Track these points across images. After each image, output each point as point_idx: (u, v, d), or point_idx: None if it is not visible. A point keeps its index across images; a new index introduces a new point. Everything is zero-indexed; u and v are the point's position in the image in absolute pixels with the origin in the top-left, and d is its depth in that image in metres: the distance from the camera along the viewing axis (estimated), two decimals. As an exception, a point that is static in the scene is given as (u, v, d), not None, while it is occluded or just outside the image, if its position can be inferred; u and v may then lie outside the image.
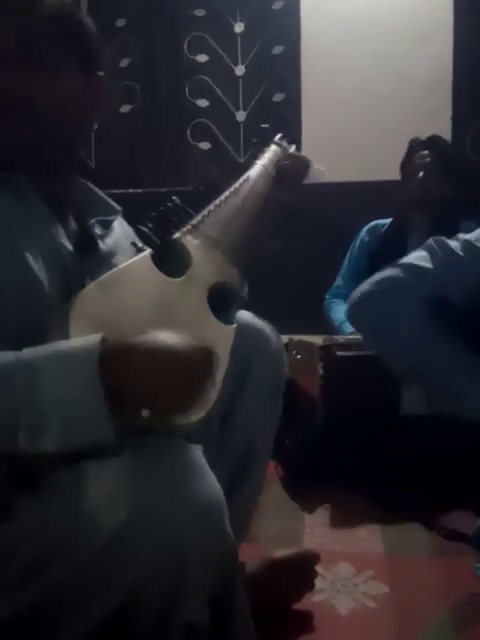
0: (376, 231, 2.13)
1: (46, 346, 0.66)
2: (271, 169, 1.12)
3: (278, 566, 1.10)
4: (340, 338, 1.81)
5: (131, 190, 2.62)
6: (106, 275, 0.78)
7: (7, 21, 0.80)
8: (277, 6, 2.77)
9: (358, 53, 2.67)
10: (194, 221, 0.96)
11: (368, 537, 1.42)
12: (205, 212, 0.98)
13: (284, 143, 1.22)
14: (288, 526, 1.44)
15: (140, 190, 2.66)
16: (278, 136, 1.23)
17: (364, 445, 1.61)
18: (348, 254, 2.18)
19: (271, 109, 2.82)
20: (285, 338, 1.20)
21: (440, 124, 2.61)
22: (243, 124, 2.85)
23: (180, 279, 0.87)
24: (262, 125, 1.27)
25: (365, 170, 2.53)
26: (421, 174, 2.00)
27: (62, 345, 0.66)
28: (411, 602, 1.16)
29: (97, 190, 0.94)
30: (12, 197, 0.79)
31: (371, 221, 2.17)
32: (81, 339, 0.66)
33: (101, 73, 0.88)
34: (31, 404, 0.62)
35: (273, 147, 1.19)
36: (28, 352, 0.65)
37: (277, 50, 2.80)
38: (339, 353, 1.67)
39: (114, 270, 0.80)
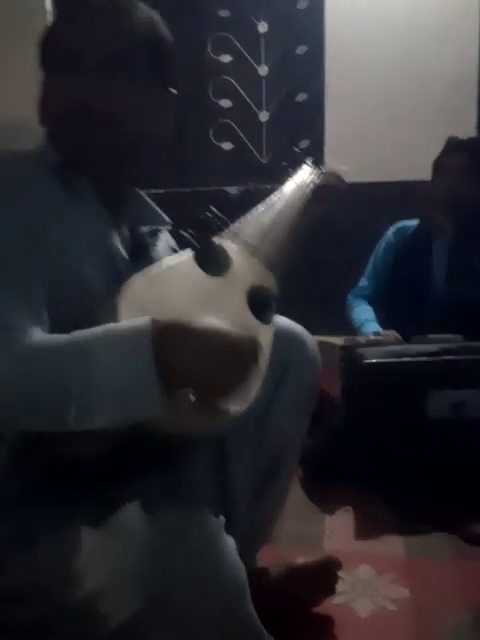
0: (403, 232, 2.09)
1: (96, 328, 0.68)
2: (304, 188, 1.17)
3: (300, 572, 1.11)
4: (361, 339, 1.79)
5: (153, 190, 2.63)
6: (152, 267, 0.83)
7: (101, 38, 0.82)
8: (301, 6, 2.76)
9: (382, 52, 2.65)
10: (233, 228, 1.00)
11: (389, 540, 1.41)
12: (243, 220, 1.03)
13: (314, 166, 1.27)
14: (308, 528, 1.43)
15: (162, 190, 2.67)
16: (309, 160, 1.29)
17: (384, 447, 1.60)
18: (373, 254, 2.14)
19: (294, 109, 2.81)
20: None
21: (465, 123, 2.58)
22: (266, 124, 2.84)
23: (221, 278, 0.91)
24: (295, 148, 1.35)
25: (389, 170, 2.51)
26: (450, 178, 1.93)
27: (112, 326, 0.69)
28: (432, 606, 1.15)
29: (150, 201, 0.97)
30: (74, 200, 0.82)
31: (394, 222, 2.14)
32: (130, 320, 0.69)
33: (174, 90, 0.91)
34: (83, 380, 0.64)
35: (306, 168, 1.25)
36: (79, 333, 0.67)
37: (301, 50, 2.79)
38: (365, 361, 1.61)
39: (158, 264, 0.84)
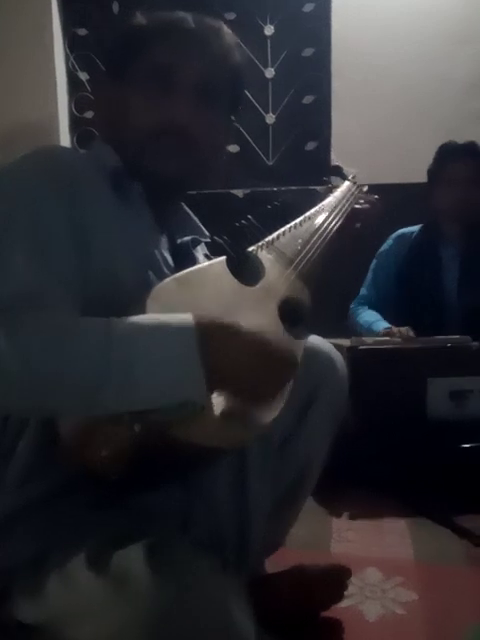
0: (403, 240, 2.07)
1: (138, 317, 0.68)
2: (344, 203, 1.16)
3: (309, 580, 1.10)
4: (368, 339, 1.79)
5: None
6: (184, 272, 0.81)
7: (199, 59, 0.85)
8: (308, 8, 2.76)
9: (390, 54, 2.64)
10: (269, 238, 0.99)
11: (397, 543, 1.40)
12: (280, 232, 1.01)
13: (355, 183, 1.24)
14: (316, 530, 1.42)
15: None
16: (352, 175, 1.27)
17: (393, 449, 1.59)
18: (373, 263, 2.12)
19: (301, 112, 2.81)
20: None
21: (477, 127, 2.57)
22: (272, 127, 2.84)
23: (253, 287, 0.89)
24: (335, 163, 1.30)
25: (397, 173, 2.49)
26: (458, 190, 1.92)
27: (154, 316, 0.69)
28: (441, 611, 1.13)
29: (192, 214, 0.98)
30: (124, 204, 0.83)
31: (404, 224, 2.12)
32: (172, 314, 0.68)
33: (234, 118, 0.95)
34: (122, 363, 0.64)
35: (346, 183, 1.23)
36: (119, 319, 0.67)
37: (307, 52, 2.79)
38: (362, 347, 1.67)
39: (192, 268, 0.83)
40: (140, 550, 0.66)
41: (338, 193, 1.18)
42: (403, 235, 2.08)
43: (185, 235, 0.95)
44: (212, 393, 0.68)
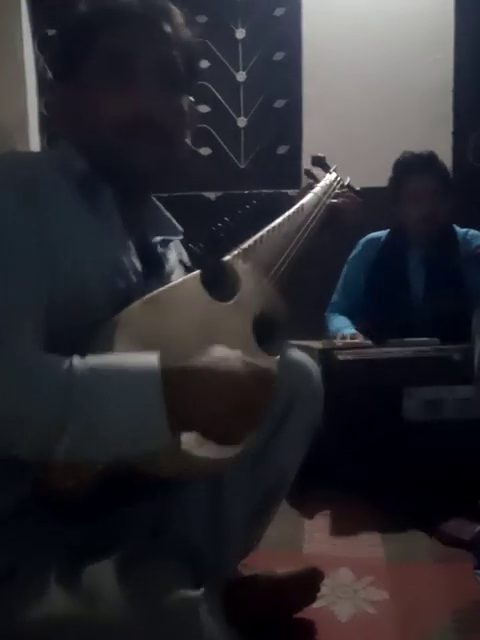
0: (372, 245, 2.10)
1: (101, 357, 0.65)
2: (325, 199, 1.12)
3: (282, 583, 1.11)
4: (339, 342, 1.81)
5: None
6: (154, 293, 0.77)
7: (153, 44, 0.81)
8: (278, 12, 2.78)
9: (360, 59, 2.68)
10: (246, 245, 0.95)
11: (368, 543, 1.41)
12: (258, 237, 0.97)
13: (339, 174, 1.21)
14: (288, 532, 1.43)
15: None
16: (333, 167, 1.23)
17: (364, 450, 1.61)
18: (345, 269, 2.14)
19: (272, 115, 2.83)
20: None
21: (443, 131, 2.62)
22: (244, 130, 2.85)
23: (227, 303, 0.86)
24: (318, 154, 1.25)
25: (367, 176, 2.51)
26: (425, 205, 1.93)
27: (119, 358, 0.66)
28: (412, 609, 1.15)
29: (163, 209, 0.94)
30: (92, 210, 0.79)
31: (374, 228, 2.13)
32: (138, 354, 0.65)
33: (192, 97, 0.90)
34: (84, 411, 0.61)
35: (328, 177, 1.19)
36: (81, 361, 0.63)
37: (278, 56, 2.81)
38: (341, 357, 1.67)
39: (163, 288, 0.79)
40: (111, 566, 0.65)
41: (318, 190, 1.14)
42: (372, 240, 2.10)
43: (157, 233, 0.91)
44: (179, 436, 0.65)
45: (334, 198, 1.14)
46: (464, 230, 2.03)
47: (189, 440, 0.66)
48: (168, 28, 0.82)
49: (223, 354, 0.68)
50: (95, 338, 0.68)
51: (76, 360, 0.63)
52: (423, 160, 1.97)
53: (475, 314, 1.50)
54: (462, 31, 2.61)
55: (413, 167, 1.96)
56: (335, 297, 2.13)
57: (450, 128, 2.64)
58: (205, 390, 0.65)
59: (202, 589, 0.66)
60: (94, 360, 0.64)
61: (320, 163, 1.23)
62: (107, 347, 0.68)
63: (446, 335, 1.72)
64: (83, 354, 0.65)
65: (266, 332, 0.89)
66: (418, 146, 2.05)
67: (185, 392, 0.64)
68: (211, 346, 0.70)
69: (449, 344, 1.69)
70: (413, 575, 1.28)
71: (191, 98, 0.89)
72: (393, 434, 1.62)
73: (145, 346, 0.68)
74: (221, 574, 0.93)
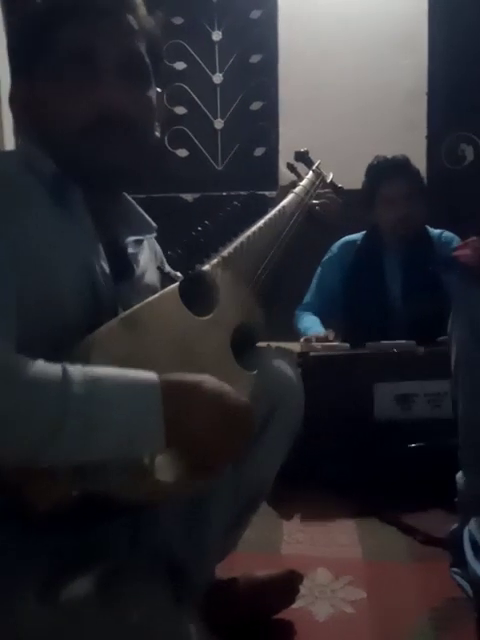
0: (348, 247, 2.11)
1: (95, 368, 0.65)
2: (307, 199, 1.10)
3: (262, 588, 1.10)
4: (318, 345, 1.82)
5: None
6: (131, 312, 0.75)
7: (114, 39, 0.79)
8: (254, 15, 2.79)
9: (335, 62, 2.70)
10: (225, 253, 0.92)
11: (346, 542, 1.42)
12: (238, 243, 0.95)
13: (321, 170, 1.19)
14: (266, 533, 1.43)
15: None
16: (316, 163, 1.21)
17: (341, 450, 1.62)
18: (319, 271, 2.15)
19: (249, 117, 2.84)
20: (263, 344, 1.21)
21: (417, 135, 2.65)
22: (221, 132, 2.86)
23: (205, 318, 0.84)
24: (302, 149, 1.23)
25: (343, 178, 2.54)
26: (399, 208, 1.95)
27: (118, 372, 0.66)
28: (389, 607, 1.16)
29: (136, 205, 0.92)
30: (61, 213, 0.77)
31: (350, 230, 2.14)
32: (136, 371, 0.66)
33: (159, 89, 0.88)
34: (82, 415, 0.61)
35: (310, 174, 1.17)
36: (74, 367, 0.63)
37: (255, 58, 2.82)
38: (313, 354, 1.70)
39: (139, 306, 0.76)
40: (89, 580, 0.65)
41: (300, 189, 1.11)
42: (348, 243, 2.12)
43: (130, 231, 0.88)
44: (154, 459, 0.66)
45: (316, 198, 1.12)
46: (438, 231, 2.06)
47: (160, 464, 0.66)
48: (132, 19, 0.80)
49: (208, 378, 0.70)
50: (70, 358, 0.66)
51: (68, 366, 0.63)
52: (396, 164, 1.99)
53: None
54: (435, 37, 2.65)
55: (387, 171, 1.98)
56: (308, 298, 2.15)
57: (424, 132, 2.68)
58: (197, 405, 0.66)
59: (182, 600, 0.66)
60: (87, 368, 0.64)
61: (303, 158, 1.21)
62: None
63: (423, 336, 1.74)
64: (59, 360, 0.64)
65: (245, 342, 0.88)
66: (393, 150, 2.07)
67: (178, 405, 0.65)
68: (185, 368, 0.70)
69: (426, 345, 1.71)
70: (390, 574, 1.29)
71: (158, 89, 0.87)
72: (366, 431, 1.64)
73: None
74: (201, 581, 0.93)
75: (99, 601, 0.62)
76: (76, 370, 0.63)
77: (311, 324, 2.02)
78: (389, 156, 2.01)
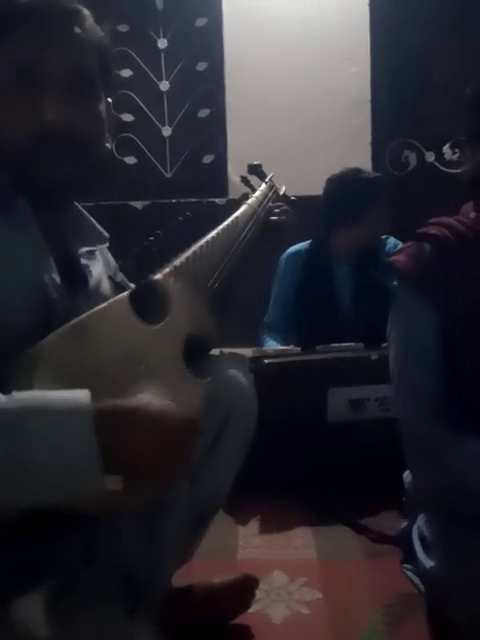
0: (294, 259, 2.12)
1: (25, 394, 0.61)
2: (260, 211, 1.10)
3: (218, 593, 1.11)
4: (269, 349, 1.84)
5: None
6: (78, 320, 0.73)
7: (59, 53, 0.77)
8: (200, 23, 2.81)
9: (281, 71, 2.74)
10: (178, 262, 0.91)
11: (301, 544, 1.44)
12: (190, 253, 0.94)
13: (274, 183, 1.19)
14: (222, 540, 1.43)
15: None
16: (270, 176, 1.22)
17: (295, 454, 1.64)
18: (274, 285, 2.16)
19: (197, 125, 2.84)
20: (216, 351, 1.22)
21: (362, 140, 2.71)
22: (169, 139, 2.86)
23: (157, 327, 0.82)
24: (255, 162, 1.23)
25: (291, 185, 2.57)
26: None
27: (45, 395, 0.61)
28: (344, 606, 1.18)
29: (88, 215, 0.91)
30: (8, 228, 0.75)
31: (297, 238, 2.14)
32: (68, 394, 0.61)
33: (109, 99, 0.87)
34: (17, 457, 0.57)
35: (263, 186, 1.17)
36: (9, 401, 0.59)
37: (201, 66, 2.83)
38: (267, 361, 1.71)
39: (88, 314, 0.74)
40: (41, 597, 0.63)
41: (253, 201, 1.11)
42: (292, 255, 2.13)
43: (81, 242, 0.87)
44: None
45: (269, 210, 1.13)
46: (384, 238, 2.11)
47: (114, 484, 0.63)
48: (77, 29, 0.78)
49: (149, 399, 0.66)
50: (11, 370, 0.64)
51: (4, 403, 0.59)
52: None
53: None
54: (377, 47, 2.72)
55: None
56: (268, 316, 2.16)
57: (368, 139, 2.74)
58: (135, 432, 0.62)
59: (137, 611, 0.65)
60: (18, 396, 0.60)
61: (256, 171, 1.22)
62: (26, 381, 0.64)
63: (374, 341, 1.78)
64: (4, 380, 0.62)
65: (197, 351, 0.87)
66: (339, 157, 2.12)
67: (115, 433, 0.61)
68: (138, 384, 0.68)
69: (374, 350, 1.75)
70: (344, 573, 1.31)
71: (109, 100, 0.87)
72: (320, 434, 1.66)
73: (68, 379, 0.64)
74: (157, 592, 0.92)
75: (49, 618, 0.61)
76: (2, 401, 0.59)
77: (275, 345, 2.03)
78: (365, 171, 2.04)
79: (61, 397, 0.61)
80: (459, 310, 0.91)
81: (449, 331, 0.92)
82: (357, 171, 2.03)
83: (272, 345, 2.03)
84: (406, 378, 0.96)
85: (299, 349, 1.83)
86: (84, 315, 0.74)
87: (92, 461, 0.58)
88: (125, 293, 0.82)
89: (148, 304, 0.83)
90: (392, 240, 2.09)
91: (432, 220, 1.00)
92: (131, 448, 0.62)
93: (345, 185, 2.01)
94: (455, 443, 0.90)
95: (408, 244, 1.00)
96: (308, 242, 2.14)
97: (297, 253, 2.13)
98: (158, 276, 0.88)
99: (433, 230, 0.97)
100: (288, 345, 1.99)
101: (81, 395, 0.60)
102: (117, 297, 0.81)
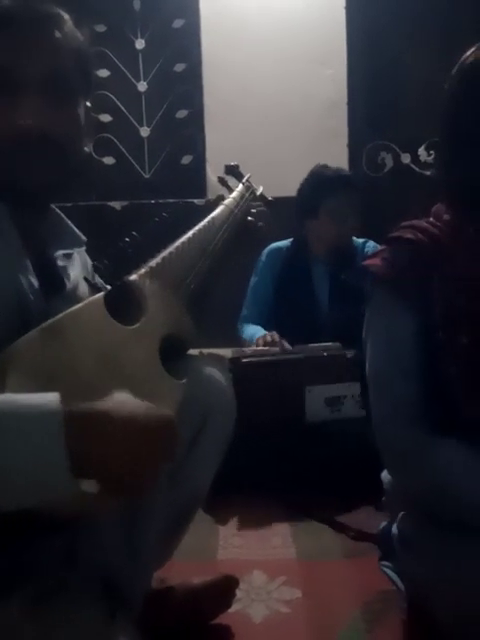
0: (275, 254, 2.14)
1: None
2: (237, 211, 1.10)
3: (198, 594, 1.11)
4: (248, 350, 1.84)
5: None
6: (52, 321, 0.72)
7: (37, 56, 0.77)
8: (177, 24, 2.81)
9: (259, 72, 2.75)
10: (154, 263, 0.91)
11: (280, 543, 1.45)
12: (166, 253, 0.94)
13: (249, 185, 1.20)
14: (202, 540, 1.44)
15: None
16: (247, 176, 1.22)
17: (274, 453, 1.65)
18: (252, 281, 2.17)
19: (175, 125, 2.84)
20: (195, 351, 1.22)
21: (339, 142, 2.73)
22: (148, 139, 2.85)
23: (132, 328, 0.82)
24: (232, 163, 1.24)
25: (268, 186, 2.58)
26: (341, 222, 2.01)
27: (14, 399, 0.60)
28: (323, 604, 1.19)
29: (65, 219, 0.91)
30: None
31: (274, 238, 2.17)
32: (38, 397, 0.60)
33: (88, 103, 0.87)
34: None
35: (240, 187, 1.17)
36: None
37: (179, 67, 2.83)
38: (245, 360, 1.72)
39: (63, 315, 0.74)
40: (20, 602, 0.63)
41: (230, 201, 1.11)
42: (273, 250, 2.15)
43: (59, 245, 0.87)
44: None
45: (246, 210, 1.13)
46: (362, 240, 2.13)
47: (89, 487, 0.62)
48: (57, 34, 0.79)
49: (124, 399, 0.65)
50: None
51: None
52: (343, 178, 2.04)
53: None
54: (353, 50, 2.75)
55: (334, 184, 2.01)
56: (245, 310, 2.17)
57: (345, 141, 2.76)
58: (107, 436, 0.61)
59: (116, 614, 0.65)
60: None
61: (233, 172, 1.23)
62: None
63: (351, 341, 1.80)
64: None
65: (174, 351, 0.87)
66: (316, 158, 2.12)
67: (87, 436, 0.60)
68: (113, 385, 0.67)
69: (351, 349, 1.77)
70: (324, 571, 1.32)
71: (88, 103, 0.87)
72: (298, 433, 1.67)
73: (42, 381, 0.64)
74: (137, 593, 0.92)
75: (30, 622, 0.61)
76: None
77: (255, 330, 2.05)
78: (333, 167, 2.05)
79: (30, 401, 0.60)
80: (437, 314, 0.91)
81: (427, 335, 0.92)
82: (324, 167, 2.06)
83: (251, 332, 2.04)
84: (384, 382, 0.96)
85: (277, 349, 1.84)
86: (58, 316, 0.73)
87: (62, 465, 0.57)
88: (100, 294, 0.81)
89: (123, 305, 0.83)
90: (371, 244, 2.11)
91: (405, 223, 0.99)
92: (104, 451, 0.61)
93: (308, 178, 2.07)
94: (433, 446, 0.91)
95: (382, 248, 1.01)
96: (289, 240, 2.15)
97: (278, 250, 2.15)
98: (133, 277, 0.88)
99: (408, 234, 0.96)
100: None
101: (51, 398, 0.59)
102: (92, 298, 0.81)
